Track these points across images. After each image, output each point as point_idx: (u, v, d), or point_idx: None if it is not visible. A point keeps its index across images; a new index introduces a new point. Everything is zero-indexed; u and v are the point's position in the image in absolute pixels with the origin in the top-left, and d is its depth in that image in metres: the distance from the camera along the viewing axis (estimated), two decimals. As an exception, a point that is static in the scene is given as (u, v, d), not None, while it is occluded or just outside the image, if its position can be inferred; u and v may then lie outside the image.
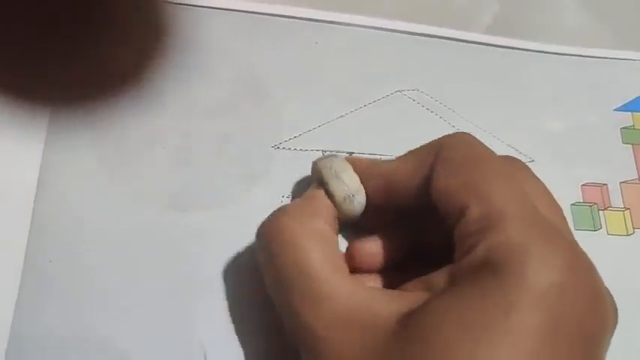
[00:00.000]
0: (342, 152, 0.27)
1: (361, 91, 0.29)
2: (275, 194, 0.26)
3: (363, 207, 0.23)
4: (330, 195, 0.23)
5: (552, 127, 0.30)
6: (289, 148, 0.27)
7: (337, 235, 0.23)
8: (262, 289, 0.24)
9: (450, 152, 0.21)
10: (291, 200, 0.24)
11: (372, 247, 0.23)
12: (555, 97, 0.31)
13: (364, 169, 0.23)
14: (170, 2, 0.29)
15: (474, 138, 0.22)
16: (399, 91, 0.29)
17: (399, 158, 0.23)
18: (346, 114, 0.28)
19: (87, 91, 0.27)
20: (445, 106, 0.29)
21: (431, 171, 0.21)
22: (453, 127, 0.29)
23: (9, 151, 0.25)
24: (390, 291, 0.21)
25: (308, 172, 0.26)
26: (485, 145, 0.22)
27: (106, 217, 0.24)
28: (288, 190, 0.26)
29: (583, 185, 0.28)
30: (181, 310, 0.24)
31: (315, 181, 0.24)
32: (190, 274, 0.24)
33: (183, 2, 0.29)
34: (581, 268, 0.18)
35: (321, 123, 0.28)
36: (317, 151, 0.27)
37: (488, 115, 0.29)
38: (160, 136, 0.26)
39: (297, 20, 0.30)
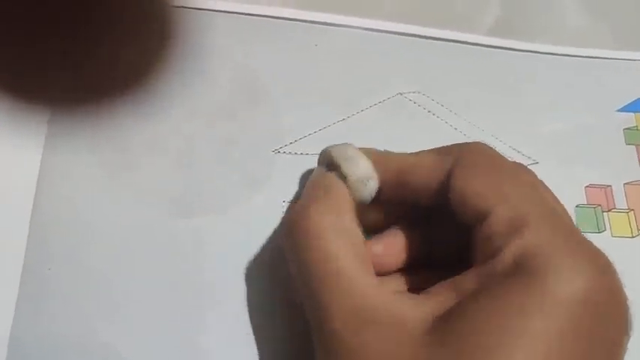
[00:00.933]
0: (344, 156, 0.27)
1: (362, 93, 0.29)
2: (276, 198, 0.26)
3: (374, 194, 0.22)
4: (342, 177, 0.22)
5: (555, 129, 0.30)
6: (290, 152, 0.27)
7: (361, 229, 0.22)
8: (266, 294, 0.24)
9: (471, 157, 0.21)
10: (306, 186, 0.23)
11: (384, 249, 0.22)
12: (557, 98, 0.31)
13: (377, 159, 0.23)
14: (171, 5, 0.29)
15: (491, 147, 0.22)
16: (400, 93, 0.29)
17: (415, 155, 0.23)
18: (347, 117, 0.28)
19: (87, 94, 0.26)
20: (447, 108, 0.29)
21: (449, 173, 0.21)
22: (455, 129, 0.29)
23: (7, 154, 0.25)
24: (415, 295, 0.20)
25: (309, 175, 0.26)
26: (501, 154, 0.22)
27: (107, 222, 0.24)
28: (289, 194, 0.26)
29: (587, 187, 0.28)
30: (184, 315, 0.23)
31: (324, 166, 0.23)
32: (193, 280, 0.24)
33: (183, 5, 0.29)
34: (608, 272, 0.19)
35: (322, 127, 0.28)
36: (318, 155, 0.27)
37: (490, 117, 0.29)
38: (161, 141, 0.26)
39: (297, 22, 0.29)
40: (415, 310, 0.18)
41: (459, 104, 0.29)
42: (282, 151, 0.27)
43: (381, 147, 0.27)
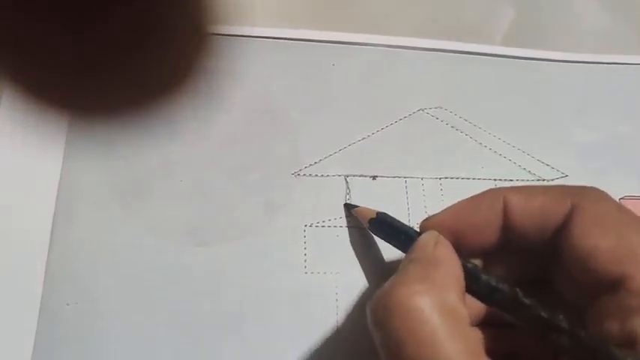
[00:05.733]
0: (366, 176, 0.26)
1: (382, 111, 0.28)
2: (298, 223, 0.25)
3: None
4: None
5: (582, 140, 0.29)
6: (310, 175, 0.26)
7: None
8: (288, 323, 0.23)
9: (595, 207, 0.19)
10: (405, 261, 0.20)
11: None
12: (583, 107, 0.30)
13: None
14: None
15: (609, 196, 0.20)
16: (421, 109, 0.28)
17: (517, 191, 0.20)
18: (368, 136, 0.27)
19: (105, 114, 0.26)
20: (470, 122, 0.28)
21: (565, 222, 0.19)
22: (480, 144, 0.28)
23: (24, 190, 0.24)
24: None
25: (330, 198, 0.26)
26: (623, 205, 0.20)
27: (123, 254, 0.24)
28: (311, 218, 0.25)
29: (621, 199, 0.27)
30: (203, 351, 0.23)
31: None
32: (212, 312, 0.23)
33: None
34: None
35: (342, 147, 0.27)
36: (339, 176, 0.26)
37: (514, 130, 0.28)
38: (177, 167, 0.26)
39: (313, 43, 0.29)
40: None
41: (482, 117, 0.28)
42: (302, 174, 0.26)
43: (404, 165, 0.27)
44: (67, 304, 0.23)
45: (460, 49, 0.30)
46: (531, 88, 0.30)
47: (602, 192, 0.20)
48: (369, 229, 0.24)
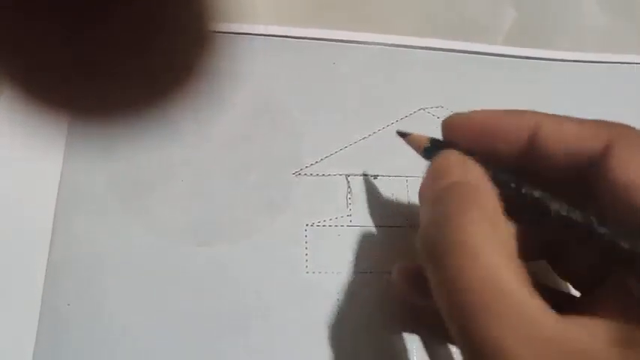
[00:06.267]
0: (367, 175, 0.26)
1: (383, 110, 0.28)
2: (299, 223, 0.25)
3: None
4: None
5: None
6: (312, 174, 0.26)
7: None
8: (290, 322, 0.23)
9: (634, 142, 0.18)
10: (441, 187, 0.19)
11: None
12: (584, 107, 0.29)
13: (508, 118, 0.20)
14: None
15: None
16: (422, 109, 0.28)
17: (551, 117, 0.19)
18: (369, 135, 0.27)
19: (105, 113, 0.26)
20: (471, 121, 0.28)
21: (600, 157, 0.18)
22: (481, 143, 0.28)
23: (24, 190, 0.24)
24: (583, 318, 0.17)
25: (331, 197, 0.26)
26: None
27: (124, 254, 0.24)
28: (312, 218, 0.25)
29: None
30: (205, 351, 0.22)
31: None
32: (214, 312, 0.23)
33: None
34: None
35: (343, 146, 0.27)
36: (340, 175, 0.26)
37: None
38: (177, 167, 0.25)
39: (313, 41, 0.29)
40: (593, 338, 0.16)
41: (484, 117, 0.28)
42: (303, 173, 0.26)
43: (405, 165, 0.26)
44: (68, 304, 0.23)
45: (461, 49, 0.30)
46: (533, 87, 0.30)
47: (638, 129, 0.19)
48: (424, 156, 0.22)
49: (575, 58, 0.31)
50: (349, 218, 0.25)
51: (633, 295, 0.16)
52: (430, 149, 0.21)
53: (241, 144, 0.26)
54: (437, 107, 0.28)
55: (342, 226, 0.25)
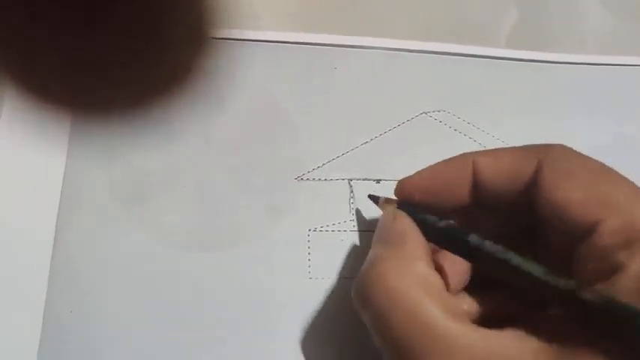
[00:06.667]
0: (370, 180, 0.26)
1: (385, 115, 0.28)
2: (301, 228, 0.25)
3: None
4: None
5: (588, 142, 0.28)
6: (314, 179, 0.26)
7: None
8: (295, 329, 0.23)
9: (561, 161, 0.19)
10: (373, 242, 0.21)
11: (458, 266, 0.21)
12: (588, 109, 0.30)
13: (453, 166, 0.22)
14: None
15: (574, 150, 0.20)
16: (424, 112, 0.28)
17: (485, 153, 0.21)
18: (371, 139, 0.27)
19: (107, 115, 0.26)
20: (473, 125, 0.28)
21: (533, 179, 0.19)
22: (484, 147, 0.28)
23: (27, 192, 0.24)
24: (516, 331, 0.18)
25: (334, 202, 0.26)
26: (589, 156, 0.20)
27: (126, 259, 0.24)
28: (314, 222, 0.25)
29: (627, 201, 0.27)
30: (207, 356, 0.22)
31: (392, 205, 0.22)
32: (216, 317, 0.23)
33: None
34: None
35: (345, 151, 0.27)
36: (342, 180, 0.26)
37: (518, 132, 0.28)
38: (180, 172, 0.25)
39: (315, 46, 0.29)
40: (530, 348, 0.17)
41: (485, 120, 0.28)
42: (305, 178, 0.26)
43: (407, 170, 0.26)
44: (71, 311, 0.22)
45: (463, 52, 0.30)
46: (535, 90, 0.30)
47: (568, 147, 0.20)
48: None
49: (577, 61, 0.31)
50: (352, 223, 0.25)
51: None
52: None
53: (243, 149, 0.26)
54: (439, 111, 0.28)
55: (345, 230, 0.25)
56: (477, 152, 0.21)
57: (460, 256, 0.20)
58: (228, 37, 0.28)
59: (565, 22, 0.33)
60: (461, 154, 0.22)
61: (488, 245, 0.19)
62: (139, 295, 0.23)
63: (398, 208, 0.22)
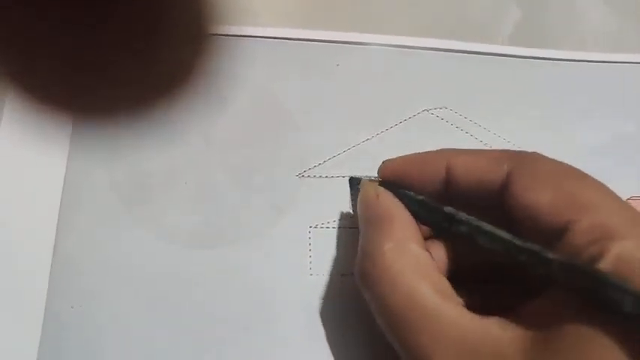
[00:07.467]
0: (371, 177, 0.26)
1: (386, 112, 0.28)
2: (303, 225, 0.25)
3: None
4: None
5: (588, 139, 0.29)
6: (315, 176, 0.26)
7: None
8: (296, 326, 0.23)
9: (533, 167, 0.20)
10: (361, 222, 0.22)
11: (437, 255, 0.22)
12: (589, 107, 0.30)
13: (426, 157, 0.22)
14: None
15: (545, 156, 0.21)
16: (426, 110, 0.28)
17: (464, 153, 0.22)
18: (372, 137, 0.27)
19: (108, 115, 0.26)
20: (474, 122, 0.28)
21: (506, 183, 0.20)
22: (485, 144, 0.28)
23: (28, 193, 0.24)
24: (502, 319, 0.19)
25: (335, 199, 0.26)
26: (561, 161, 0.21)
27: (128, 257, 0.24)
28: (316, 219, 0.25)
29: (628, 199, 0.27)
30: (208, 354, 0.22)
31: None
32: (217, 315, 0.23)
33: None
34: None
35: (346, 148, 0.27)
36: (344, 177, 0.26)
37: (519, 129, 0.28)
38: (181, 169, 0.25)
39: (317, 43, 0.29)
40: (510, 335, 0.18)
41: (487, 117, 0.28)
42: (306, 175, 0.26)
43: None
44: (72, 307, 0.22)
45: (465, 49, 0.30)
46: (537, 88, 0.30)
47: (539, 154, 0.21)
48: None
49: (579, 58, 0.31)
50: (353, 220, 0.25)
51: (559, 307, 0.18)
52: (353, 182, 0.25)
53: (245, 146, 0.26)
54: (440, 108, 0.28)
55: (345, 227, 0.25)
56: (455, 150, 0.22)
57: (436, 227, 0.21)
58: (230, 33, 0.28)
59: (566, 21, 0.33)
60: (439, 149, 0.22)
61: (462, 215, 0.20)
62: (140, 294, 0.23)
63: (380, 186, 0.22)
